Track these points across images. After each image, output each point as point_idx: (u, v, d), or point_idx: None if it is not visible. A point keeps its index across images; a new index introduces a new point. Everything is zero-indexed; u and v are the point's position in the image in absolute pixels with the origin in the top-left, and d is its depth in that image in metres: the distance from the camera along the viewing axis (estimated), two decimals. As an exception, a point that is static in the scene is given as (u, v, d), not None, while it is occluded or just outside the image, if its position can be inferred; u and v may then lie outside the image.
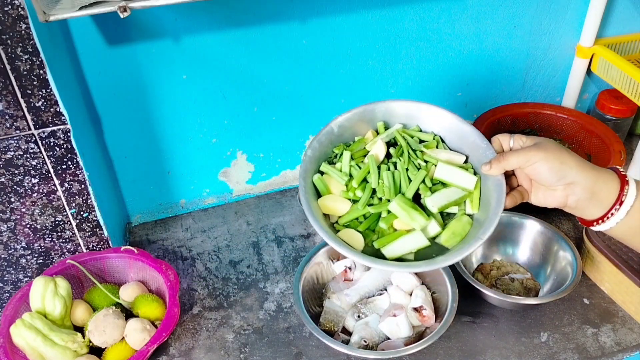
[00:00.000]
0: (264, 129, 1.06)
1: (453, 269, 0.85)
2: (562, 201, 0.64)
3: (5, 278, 0.88)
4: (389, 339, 0.81)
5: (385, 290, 0.87)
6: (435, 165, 0.72)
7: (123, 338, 0.81)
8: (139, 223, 1.09)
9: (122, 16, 0.66)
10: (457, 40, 1.07)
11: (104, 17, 0.84)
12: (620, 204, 0.61)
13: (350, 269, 0.90)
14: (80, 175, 0.83)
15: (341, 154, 0.75)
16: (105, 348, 0.80)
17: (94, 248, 0.91)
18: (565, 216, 1.06)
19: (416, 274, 0.89)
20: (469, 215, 0.72)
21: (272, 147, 1.10)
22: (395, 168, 0.73)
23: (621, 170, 0.63)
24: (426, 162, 0.73)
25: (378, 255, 0.70)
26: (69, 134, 0.78)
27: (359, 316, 0.84)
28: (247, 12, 0.91)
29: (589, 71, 1.17)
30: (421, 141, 0.76)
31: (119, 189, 1.04)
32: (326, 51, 1.00)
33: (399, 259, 0.69)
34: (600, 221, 0.63)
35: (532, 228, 0.93)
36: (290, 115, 1.06)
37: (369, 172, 0.73)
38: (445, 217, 0.73)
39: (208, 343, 0.85)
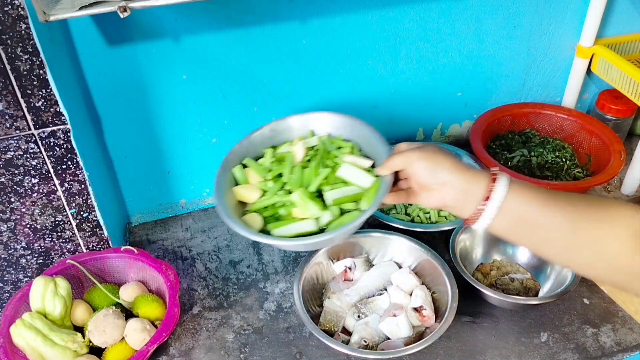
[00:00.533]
0: (264, 129, 1.06)
1: (453, 269, 0.85)
2: (441, 202, 0.67)
3: (5, 278, 0.88)
4: (389, 339, 0.82)
5: (385, 290, 0.88)
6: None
7: (123, 338, 0.81)
8: (139, 223, 1.09)
9: (122, 16, 0.66)
10: (457, 40, 1.07)
11: (104, 17, 0.84)
12: (487, 199, 0.62)
13: (350, 269, 0.90)
14: (80, 175, 0.83)
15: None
16: (105, 348, 0.80)
17: (94, 248, 0.91)
18: (565, 216, 1.06)
19: (417, 274, 0.89)
20: (364, 210, 0.78)
21: (272, 147, 1.10)
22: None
23: (495, 170, 0.65)
24: (336, 163, 0.83)
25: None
26: (69, 134, 0.78)
27: (359, 316, 0.84)
28: (247, 12, 0.91)
29: (589, 71, 1.17)
30: (340, 148, 0.87)
31: (119, 189, 1.04)
32: (326, 51, 1.00)
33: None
34: (475, 218, 0.64)
35: (532, 228, 0.93)
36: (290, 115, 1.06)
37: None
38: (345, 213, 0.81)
39: (208, 343, 0.85)
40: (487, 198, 0.62)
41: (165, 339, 0.79)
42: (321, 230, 0.78)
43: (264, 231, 0.80)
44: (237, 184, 0.86)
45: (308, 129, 0.92)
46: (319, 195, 0.82)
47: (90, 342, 0.80)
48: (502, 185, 0.62)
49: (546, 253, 0.63)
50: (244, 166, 0.87)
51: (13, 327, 0.75)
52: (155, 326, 0.83)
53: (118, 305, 0.86)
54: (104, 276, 0.91)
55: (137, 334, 0.79)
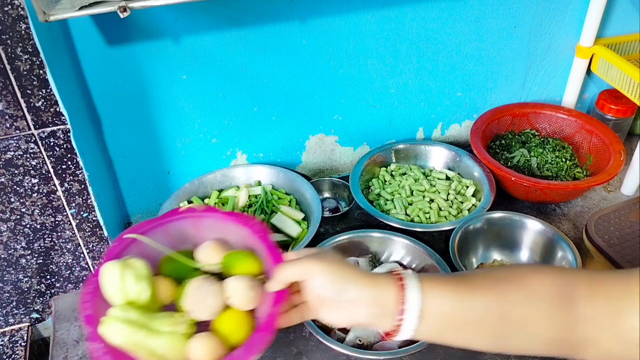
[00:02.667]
0: (264, 129, 1.06)
1: (453, 269, 0.85)
2: (352, 320, 0.58)
3: (5, 278, 0.88)
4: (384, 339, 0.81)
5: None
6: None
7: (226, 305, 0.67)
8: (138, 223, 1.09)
9: (122, 16, 0.66)
10: (457, 40, 1.07)
11: (103, 17, 0.84)
12: (402, 312, 0.55)
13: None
14: (80, 175, 0.83)
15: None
16: (209, 321, 0.67)
17: (94, 248, 0.91)
18: (565, 216, 1.06)
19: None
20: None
21: (272, 147, 1.10)
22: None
23: (398, 271, 0.59)
24: (273, 212, 0.99)
25: None
26: (69, 134, 0.78)
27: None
28: (247, 12, 0.91)
29: (589, 71, 1.17)
30: (280, 199, 1.02)
31: (119, 189, 1.04)
32: (326, 51, 1.00)
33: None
34: (396, 330, 0.57)
35: (532, 228, 0.93)
36: (290, 115, 1.06)
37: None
38: None
39: (208, 343, 0.85)
40: (402, 310, 0.55)
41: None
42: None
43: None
44: None
45: (255, 179, 1.06)
46: None
47: (192, 320, 0.67)
48: (414, 289, 0.56)
49: (478, 344, 0.57)
50: (191, 202, 1.00)
51: (103, 328, 0.62)
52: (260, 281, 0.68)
53: (196, 271, 0.71)
54: (171, 245, 0.74)
55: (244, 293, 0.66)
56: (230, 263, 0.71)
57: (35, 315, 0.94)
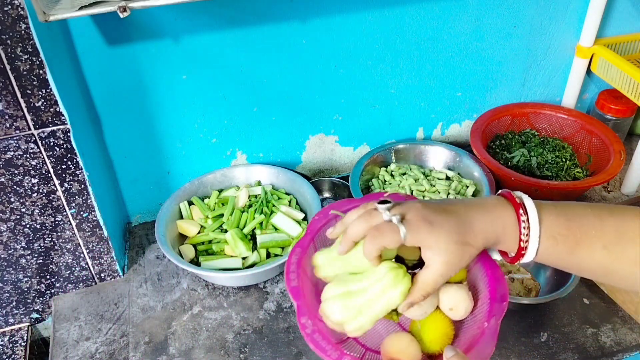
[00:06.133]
0: (264, 129, 1.06)
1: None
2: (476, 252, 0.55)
3: (5, 278, 0.88)
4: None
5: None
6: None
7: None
8: (138, 223, 1.09)
9: (121, 16, 0.66)
10: (457, 40, 1.07)
11: (103, 17, 0.84)
12: (523, 220, 0.54)
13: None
14: (80, 175, 0.83)
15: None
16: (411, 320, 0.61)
17: (94, 248, 0.91)
18: (565, 216, 1.06)
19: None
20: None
21: (272, 147, 1.10)
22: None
23: (503, 191, 0.57)
24: (273, 212, 0.98)
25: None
26: (68, 134, 0.78)
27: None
28: (247, 12, 0.91)
29: (588, 71, 1.17)
30: (280, 199, 1.02)
31: (119, 189, 1.04)
32: (326, 51, 1.00)
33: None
34: (522, 252, 0.55)
35: (532, 228, 0.93)
36: (290, 115, 1.06)
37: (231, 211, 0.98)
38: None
39: (208, 343, 0.85)
40: (526, 228, 0.53)
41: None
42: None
43: (197, 262, 0.93)
44: (182, 217, 0.99)
45: (255, 179, 1.07)
46: (252, 239, 0.96)
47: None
48: (529, 202, 0.55)
49: (590, 262, 0.55)
50: (191, 203, 1.01)
51: (324, 306, 0.56)
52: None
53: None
54: None
55: (466, 304, 0.59)
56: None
57: (35, 315, 0.94)
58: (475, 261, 0.61)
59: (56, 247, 0.88)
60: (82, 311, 0.91)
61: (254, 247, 0.95)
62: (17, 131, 0.75)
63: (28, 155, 0.78)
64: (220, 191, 1.05)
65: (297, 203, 1.04)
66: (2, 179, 0.79)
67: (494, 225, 0.55)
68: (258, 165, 1.08)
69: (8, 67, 0.70)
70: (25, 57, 0.70)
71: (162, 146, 1.01)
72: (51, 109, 0.75)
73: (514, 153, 1.12)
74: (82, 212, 0.86)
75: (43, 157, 0.79)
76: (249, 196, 1.01)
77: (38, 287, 0.91)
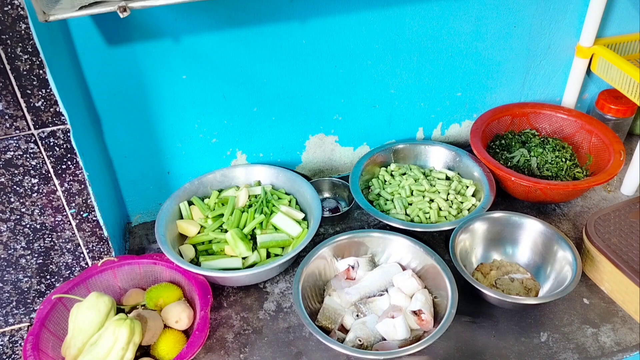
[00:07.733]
0: (264, 128, 1.06)
1: (453, 269, 0.85)
2: None
3: (5, 278, 0.88)
4: (384, 340, 0.81)
5: (387, 291, 0.87)
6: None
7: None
8: (139, 223, 1.09)
9: (121, 16, 0.66)
10: (457, 39, 1.07)
11: (103, 17, 0.84)
12: None
13: (353, 267, 0.90)
14: (80, 175, 0.83)
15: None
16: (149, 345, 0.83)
17: (94, 248, 0.91)
18: (565, 216, 1.06)
19: (420, 277, 0.89)
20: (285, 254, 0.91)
21: (272, 147, 1.10)
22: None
23: None
24: (273, 212, 0.98)
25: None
26: (68, 134, 0.78)
27: (357, 315, 0.84)
28: (247, 12, 0.91)
29: (588, 71, 1.17)
30: (280, 199, 1.02)
31: (119, 189, 1.04)
32: (326, 51, 1.00)
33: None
34: None
35: (532, 228, 0.93)
36: (290, 115, 1.06)
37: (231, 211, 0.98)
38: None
39: (208, 343, 0.85)
40: None
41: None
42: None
43: (197, 262, 0.94)
44: (182, 217, 1.00)
45: (255, 179, 1.06)
46: (252, 238, 0.96)
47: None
48: None
49: None
50: (191, 203, 1.01)
51: None
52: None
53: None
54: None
55: (185, 315, 0.83)
56: (156, 295, 0.85)
57: (35, 315, 0.94)
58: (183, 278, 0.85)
59: (56, 247, 0.88)
60: (82, 311, 0.91)
61: (254, 247, 0.95)
62: (17, 131, 0.75)
63: (28, 155, 0.78)
64: (220, 191, 1.05)
65: (297, 203, 1.04)
66: (2, 179, 0.79)
67: None
68: (258, 165, 1.08)
69: (8, 67, 0.70)
70: (25, 57, 0.70)
71: (162, 146, 1.01)
72: (51, 109, 0.75)
73: (514, 153, 1.12)
74: (82, 212, 0.86)
75: (43, 157, 0.79)
76: (249, 196, 1.01)
77: (38, 287, 0.91)
